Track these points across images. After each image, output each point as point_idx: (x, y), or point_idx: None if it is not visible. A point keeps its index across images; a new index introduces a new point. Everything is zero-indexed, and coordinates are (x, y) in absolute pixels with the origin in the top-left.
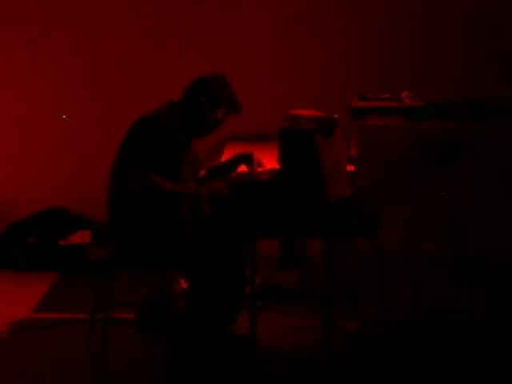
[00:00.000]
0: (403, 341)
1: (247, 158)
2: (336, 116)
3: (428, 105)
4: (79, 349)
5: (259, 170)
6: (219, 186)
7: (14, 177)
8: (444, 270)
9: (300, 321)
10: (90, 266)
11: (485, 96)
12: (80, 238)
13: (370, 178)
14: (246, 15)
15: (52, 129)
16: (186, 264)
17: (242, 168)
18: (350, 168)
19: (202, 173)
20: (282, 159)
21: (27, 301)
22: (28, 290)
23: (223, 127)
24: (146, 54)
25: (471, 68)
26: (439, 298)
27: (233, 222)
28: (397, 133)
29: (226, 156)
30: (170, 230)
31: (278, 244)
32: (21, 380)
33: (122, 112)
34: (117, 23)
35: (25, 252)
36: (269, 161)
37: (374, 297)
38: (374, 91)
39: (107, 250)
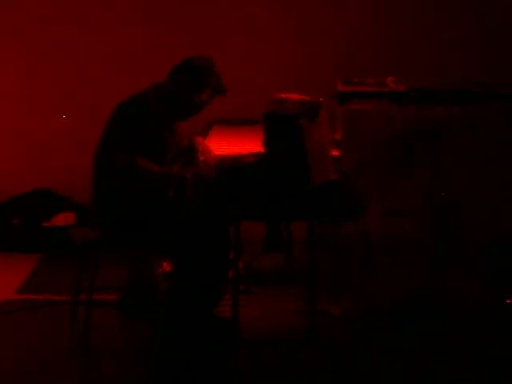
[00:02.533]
0: (385, 325)
1: (193, 145)
2: (321, 100)
3: (412, 89)
4: (62, 330)
5: (204, 157)
6: (203, 168)
7: None
8: (427, 255)
9: (283, 304)
10: (73, 248)
11: (469, 82)
12: (64, 219)
13: (355, 163)
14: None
15: (37, 111)
16: (169, 247)
17: (228, 150)
18: (335, 152)
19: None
20: (266, 143)
21: (10, 282)
22: (11, 271)
23: (209, 110)
24: (126, 36)
25: (457, 54)
26: (421, 282)
27: (217, 205)
28: (381, 117)
29: (212, 139)
30: (154, 212)
31: (262, 227)
32: (3, 361)
33: (108, 93)
34: (115, 17)
35: (8, 233)
36: (254, 144)
37: (357, 281)
38: (360, 76)
39: (91, 232)
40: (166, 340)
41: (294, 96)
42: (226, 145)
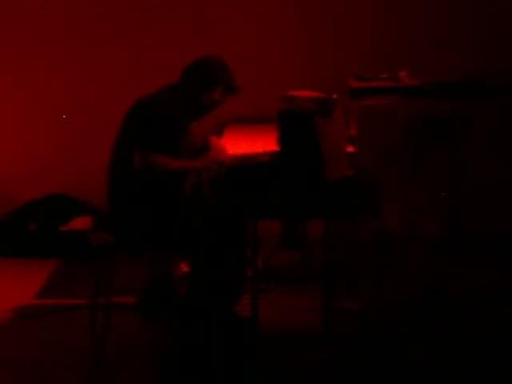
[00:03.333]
0: (403, 320)
1: (207, 144)
2: (334, 96)
3: (426, 84)
4: (81, 334)
5: (218, 155)
6: (212, 166)
7: (14, 164)
8: (444, 249)
9: (302, 301)
10: (91, 252)
11: (482, 75)
12: (81, 223)
13: (370, 158)
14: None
15: (51, 115)
16: (187, 247)
17: (242, 149)
18: (350, 148)
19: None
20: (281, 141)
21: (29, 287)
22: (30, 276)
23: (223, 109)
24: (139, 38)
25: (470, 47)
26: (438, 276)
27: (233, 204)
28: (395, 112)
29: (226, 138)
30: (170, 213)
31: (278, 225)
32: (23, 367)
33: (121, 97)
34: (117, 21)
35: (26, 239)
36: (269, 143)
37: (374, 276)
38: (373, 71)
39: (108, 235)
40: (186, 341)
41: (307, 93)
42: (241, 144)
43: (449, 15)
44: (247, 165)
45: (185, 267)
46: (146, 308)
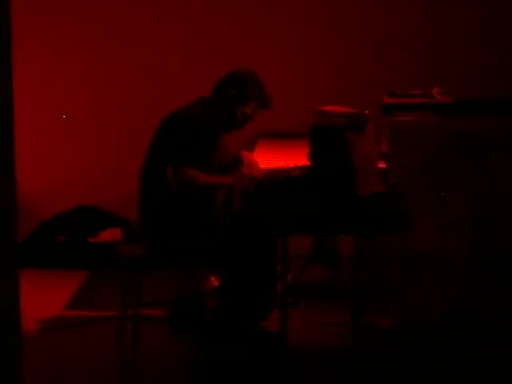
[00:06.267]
0: (432, 339)
1: (239, 159)
2: (367, 112)
3: (458, 101)
4: (110, 346)
5: (249, 170)
6: (243, 181)
7: (43, 175)
8: (473, 270)
9: (330, 318)
10: (120, 264)
11: None
12: (110, 235)
13: (401, 175)
14: (275, 11)
15: (81, 127)
16: (217, 261)
17: (274, 164)
18: (381, 164)
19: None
20: (312, 156)
21: (58, 299)
22: (59, 288)
23: (255, 124)
24: (172, 53)
25: (505, 65)
26: (467, 297)
27: (264, 219)
28: (427, 129)
29: (258, 153)
30: (201, 227)
31: (309, 241)
32: (52, 378)
33: (151, 109)
34: (133, 22)
35: (55, 250)
36: (300, 157)
37: (404, 294)
38: (406, 87)
39: (138, 248)
40: (214, 355)
41: (339, 108)
42: (272, 158)
43: (486, 34)
44: (278, 179)
45: (214, 281)
46: (175, 321)
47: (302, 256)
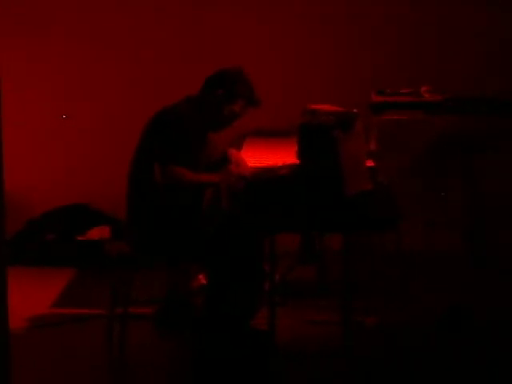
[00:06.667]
0: (421, 337)
1: (227, 157)
2: (355, 110)
3: (447, 99)
4: (98, 344)
5: (237, 168)
6: (232, 180)
7: (30, 173)
8: (464, 267)
9: (318, 316)
10: (108, 262)
11: (506, 92)
12: (98, 233)
13: (390, 173)
14: (265, 10)
15: (68, 125)
16: (205, 259)
17: (262, 162)
18: (370, 163)
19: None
20: (301, 154)
21: (46, 296)
22: (46, 285)
23: (243, 122)
24: (165, 52)
25: (494, 63)
26: (459, 295)
27: (251, 217)
28: (416, 127)
29: (246, 151)
30: (188, 225)
31: (296, 239)
32: (39, 376)
33: (139, 107)
34: (133, 23)
35: (43, 248)
36: (288, 156)
37: (393, 292)
38: (394, 86)
39: (126, 246)
40: (202, 353)
41: (328, 107)
42: (260, 157)
43: (473, 31)
44: (266, 178)
45: (203, 279)
46: (163, 319)
47: (289, 254)
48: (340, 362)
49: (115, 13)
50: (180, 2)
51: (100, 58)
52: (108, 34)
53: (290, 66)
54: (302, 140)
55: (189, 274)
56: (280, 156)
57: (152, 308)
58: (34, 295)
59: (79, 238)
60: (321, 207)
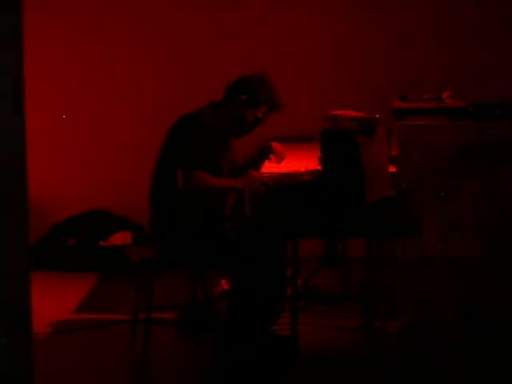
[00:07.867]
0: (443, 342)
1: (268, 149)
2: (377, 116)
3: (469, 105)
4: (121, 350)
5: (281, 161)
6: (255, 183)
7: (55, 179)
8: (485, 272)
9: (341, 321)
10: (131, 267)
11: None
12: (121, 239)
13: (412, 179)
14: (287, 14)
15: (92, 130)
16: (227, 264)
17: (285, 168)
18: (392, 168)
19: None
20: (323, 160)
21: (68, 302)
22: (69, 291)
23: (265, 128)
24: (187, 55)
25: None
26: (479, 299)
27: (274, 222)
28: (438, 133)
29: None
30: (211, 231)
31: (319, 244)
32: (62, 381)
33: (162, 113)
34: (157, 26)
35: (66, 253)
36: (311, 162)
37: (414, 297)
38: (416, 91)
39: (149, 251)
40: (224, 358)
41: (350, 113)
42: (283, 162)
43: (496, 38)
44: (289, 183)
45: (225, 284)
46: (186, 324)
47: (312, 259)
48: (362, 367)
49: (136, 14)
50: (205, 4)
51: (127, 59)
52: (123, 34)
53: (313, 72)
54: (325, 146)
55: (211, 280)
56: (303, 162)
57: (175, 313)
58: (57, 301)
59: (102, 244)
60: (343, 212)
